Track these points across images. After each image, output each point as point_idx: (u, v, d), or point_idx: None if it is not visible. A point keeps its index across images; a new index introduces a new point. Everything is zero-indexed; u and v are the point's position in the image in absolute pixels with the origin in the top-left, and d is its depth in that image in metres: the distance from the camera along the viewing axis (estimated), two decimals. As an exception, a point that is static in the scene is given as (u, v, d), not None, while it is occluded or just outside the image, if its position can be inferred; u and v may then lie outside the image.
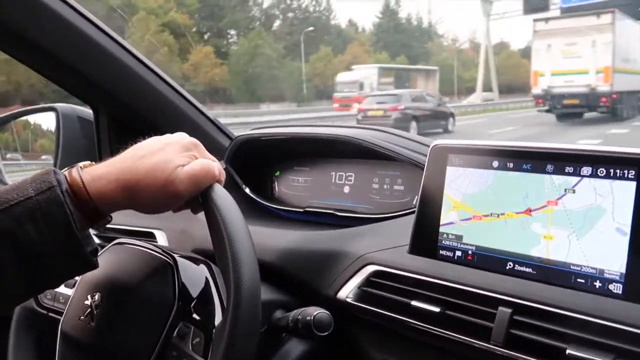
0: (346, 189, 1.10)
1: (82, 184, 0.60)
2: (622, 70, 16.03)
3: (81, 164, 0.63)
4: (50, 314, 0.82)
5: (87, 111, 1.32)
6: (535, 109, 17.70)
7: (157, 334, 0.65)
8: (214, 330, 0.64)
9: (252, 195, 1.17)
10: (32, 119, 1.40)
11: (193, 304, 0.67)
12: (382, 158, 0.99)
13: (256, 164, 1.20)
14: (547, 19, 17.34)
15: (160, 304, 0.66)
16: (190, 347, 0.63)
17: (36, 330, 0.86)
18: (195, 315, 0.66)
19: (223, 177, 0.67)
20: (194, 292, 0.68)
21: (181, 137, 0.66)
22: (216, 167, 0.64)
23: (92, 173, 0.61)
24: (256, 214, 1.14)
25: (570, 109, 16.07)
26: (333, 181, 1.12)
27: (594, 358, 0.55)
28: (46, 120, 1.32)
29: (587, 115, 16.68)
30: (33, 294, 0.67)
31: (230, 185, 1.19)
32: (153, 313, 0.66)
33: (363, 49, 46.74)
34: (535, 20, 17.34)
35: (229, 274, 0.57)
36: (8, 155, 1.49)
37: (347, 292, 0.78)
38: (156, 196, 0.62)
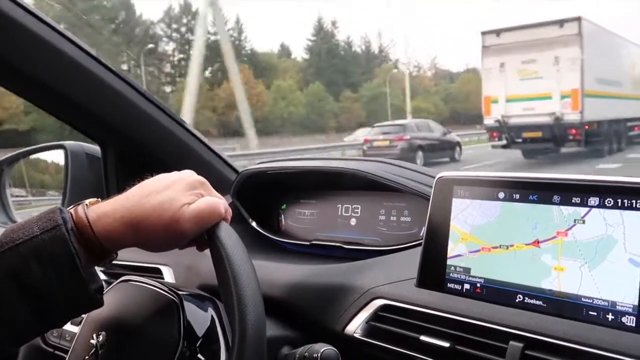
0: (353, 221, 1.10)
1: (88, 222, 0.60)
2: (597, 94, 12.52)
3: (87, 201, 0.63)
4: (57, 352, 0.81)
5: (95, 148, 1.33)
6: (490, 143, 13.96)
7: None
8: None
9: (258, 228, 1.17)
10: (41, 156, 1.41)
11: (199, 343, 0.66)
12: (388, 190, 0.99)
13: (262, 197, 1.20)
14: (498, 31, 13.11)
15: (166, 343, 0.65)
16: None
17: None
18: (200, 356, 0.65)
19: (229, 214, 0.67)
20: (200, 331, 0.67)
21: (187, 175, 0.66)
22: (222, 204, 0.64)
23: (97, 211, 0.61)
24: (262, 247, 1.13)
25: (532, 144, 12.92)
26: (339, 213, 1.12)
27: (609, 394, 0.53)
28: (55, 158, 1.33)
29: (566, 149, 13.21)
30: (38, 333, 0.67)
31: (237, 219, 1.19)
32: (158, 353, 0.65)
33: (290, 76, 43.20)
34: (483, 33, 13.33)
35: (234, 313, 0.57)
36: (16, 192, 1.50)
37: (354, 327, 0.77)
38: (161, 235, 0.62)
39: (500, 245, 0.67)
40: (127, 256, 1.14)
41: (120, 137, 1.18)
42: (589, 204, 0.61)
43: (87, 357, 0.70)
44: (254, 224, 1.18)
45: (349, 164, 1.01)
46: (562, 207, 0.63)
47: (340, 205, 1.12)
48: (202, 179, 0.66)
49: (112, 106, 1.10)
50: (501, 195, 0.68)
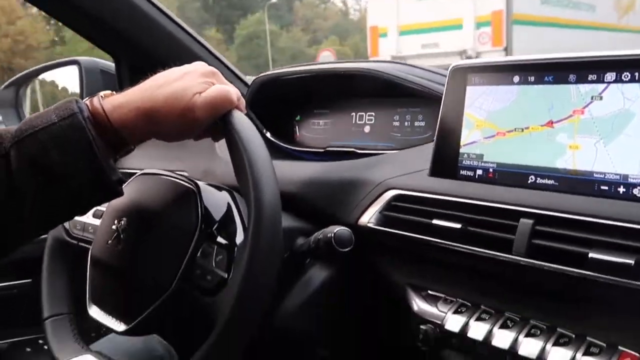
0: (367, 129, 1.10)
1: (104, 112, 0.61)
2: (539, 21, 8.24)
3: (102, 93, 0.64)
4: (81, 244, 0.85)
5: (109, 64, 1.33)
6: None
7: (181, 254, 0.66)
8: (236, 249, 0.66)
9: (272, 139, 1.18)
10: (55, 73, 1.42)
11: (216, 226, 0.68)
12: (402, 94, 0.98)
13: (277, 109, 1.20)
14: None
15: (184, 227, 0.67)
16: (213, 264, 0.65)
17: (68, 260, 0.89)
18: (218, 237, 0.68)
19: (242, 104, 0.67)
20: (217, 215, 0.70)
21: (199, 66, 0.67)
22: (234, 92, 0.65)
23: (112, 102, 0.62)
24: (277, 157, 1.15)
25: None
26: (353, 122, 1.12)
27: (615, 259, 0.54)
28: (69, 74, 1.34)
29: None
30: (62, 220, 0.69)
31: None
32: (177, 235, 0.68)
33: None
34: None
35: (250, 192, 0.58)
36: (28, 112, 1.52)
37: (368, 217, 0.79)
38: (176, 123, 0.63)
39: (515, 129, 0.67)
40: (144, 164, 1.16)
41: (134, 50, 1.18)
42: (605, 80, 0.60)
43: (110, 241, 0.73)
44: (268, 134, 1.19)
45: (361, 65, 1.00)
46: (579, 85, 0.62)
47: (354, 114, 1.12)
48: (213, 69, 0.67)
49: (127, 19, 1.10)
50: (516, 79, 0.67)
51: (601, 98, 0.60)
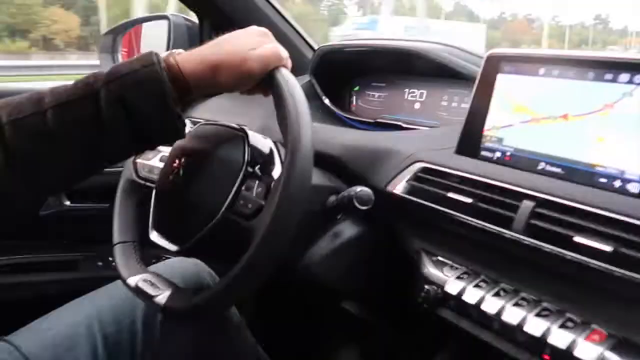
0: (417, 105, 1.16)
1: (176, 63, 0.73)
2: None
3: (174, 51, 0.76)
4: (147, 183, 0.99)
5: (194, 21, 1.47)
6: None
7: (229, 187, 0.78)
8: (273, 182, 0.76)
9: (329, 105, 1.27)
10: (146, 26, 1.57)
11: (259, 166, 0.79)
12: (453, 76, 1.04)
13: (337, 78, 1.28)
14: None
15: (233, 165, 0.79)
16: (254, 195, 0.76)
17: (136, 197, 1.03)
18: (260, 174, 0.79)
19: (289, 63, 0.77)
20: (261, 157, 0.81)
21: (254, 28, 0.77)
22: (283, 51, 0.75)
23: (184, 56, 0.74)
24: (332, 123, 1.24)
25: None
26: (405, 97, 1.19)
27: (595, 245, 0.60)
28: (159, 28, 1.48)
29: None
30: (138, 151, 0.82)
31: (312, 96, 1.30)
32: (226, 172, 0.79)
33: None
34: None
35: (288, 135, 0.68)
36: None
37: (396, 184, 0.87)
38: (234, 74, 0.73)
39: (550, 116, 0.71)
40: (212, 116, 1.29)
41: (216, 10, 1.30)
42: (634, 82, 0.63)
43: (171, 176, 0.85)
44: (326, 101, 1.28)
45: (419, 45, 1.06)
46: (613, 83, 0.65)
47: (407, 90, 1.19)
48: (266, 30, 0.77)
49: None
50: (555, 72, 0.71)
51: (631, 95, 0.63)
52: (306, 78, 1.31)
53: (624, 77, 0.64)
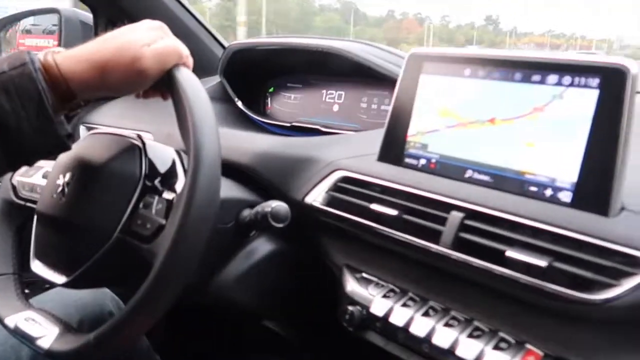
0: (335, 107, 1.10)
1: (54, 63, 0.61)
2: None
3: (54, 49, 0.65)
4: (28, 204, 0.85)
5: (89, 15, 1.32)
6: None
7: (123, 206, 0.67)
8: (174, 196, 0.66)
9: (243, 108, 1.18)
10: (36, 20, 1.40)
11: (159, 179, 0.69)
12: (372, 76, 0.98)
13: (250, 79, 1.20)
14: None
15: (127, 179, 0.68)
16: (154, 212, 0.66)
17: (15, 221, 0.89)
18: (160, 189, 0.69)
19: (190, 61, 0.67)
20: (161, 169, 0.71)
21: (147, 21, 0.67)
22: (181, 47, 0.65)
23: (64, 54, 0.63)
24: (246, 128, 1.15)
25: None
26: (323, 99, 1.12)
27: (529, 259, 0.55)
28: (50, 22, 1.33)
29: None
30: (6, 169, 0.69)
31: (223, 98, 1.20)
32: (119, 188, 0.68)
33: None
34: None
35: (190, 142, 0.59)
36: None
37: (314, 196, 0.79)
38: (124, 75, 0.63)
39: (477, 120, 0.66)
40: (109, 122, 1.16)
41: (111, 3, 1.17)
42: (563, 83, 0.59)
43: (54, 195, 0.73)
44: (239, 104, 1.19)
45: (334, 43, 1.00)
46: (542, 85, 0.61)
47: (324, 91, 1.12)
48: (161, 23, 0.67)
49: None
50: (481, 73, 0.67)
51: (562, 98, 0.59)
52: (217, 79, 1.21)
53: (553, 78, 0.60)
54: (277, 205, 0.72)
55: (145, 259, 0.65)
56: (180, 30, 1.14)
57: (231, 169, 0.86)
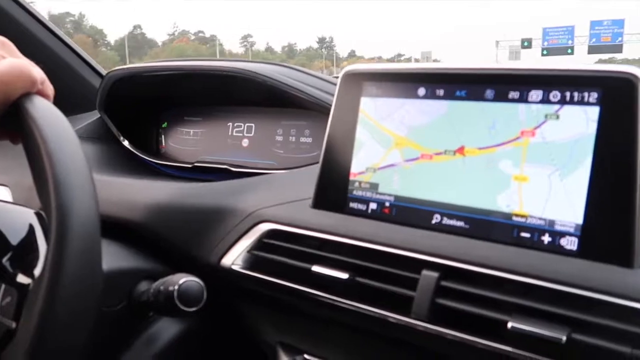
0: (245, 142, 0.93)
1: None
2: None
3: None
4: None
5: None
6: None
7: None
8: (30, 285, 0.45)
9: (130, 148, 0.97)
10: None
11: (8, 256, 0.47)
12: (288, 104, 0.83)
13: (138, 112, 0.99)
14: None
15: None
16: None
17: None
18: (10, 270, 0.47)
19: (49, 89, 0.48)
20: (13, 240, 0.49)
21: None
22: (32, 69, 0.45)
23: None
24: (138, 172, 0.94)
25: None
26: (230, 133, 0.95)
27: (542, 332, 0.42)
28: None
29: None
30: None
31: (105, 137, 0.98)
32: None
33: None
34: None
35: (51, 203, 0.40)
36: None
37: (233, 257, 0.61)
38: None
39: (445, 151, 0.52)
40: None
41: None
42: (551, 100, 0.48)
43: None
44: (126, 143, 0.98)
45: (240, 65, 0.83)
46: (530, 104, 0.48)
47: (231, 124, 0.95)
48: (3, 39, 0.47)
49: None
50: (440, 92, 0.53)
51: (557, 117, 0.47)
52: (96, 115, 0.99)
53: (536, 94, 0.48)
54: (185, 281, 0.53)
55: None
56: (42, 56, 0.92)
57: (119, 230, 0.66)
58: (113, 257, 0.60)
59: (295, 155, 0.88)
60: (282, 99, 0.82)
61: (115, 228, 0.67)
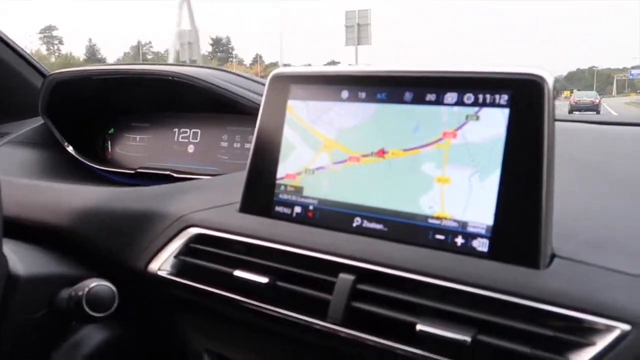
0: (190, 148, 0.92)
1: None
2: None
3: None
4: None
5: None
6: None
7: None
8: None
9: (74, 154, 0.95)
10: None
11: None
12: (233, 110, 0.82)
13: (83, 116, 0.98)
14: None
15: None
16: None
17: None
18: None
19: None
20: None
21: None
22: None
23: None
24: (80, 179, 0.92)
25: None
26: (176, 139, 0.94)
27: (448, 334, 0.41)
28: None
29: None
30: None
31: (50, 144, 0.96)
32: None
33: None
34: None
35: None
36: None
37: (160, 263, 0.60)
38: None
39: (372, 153, 0.51)
40: None
41: None
42: (466, 103, 0.47)
43: None
44: (70, 148, 0.96)
45: (179, 69, 0.82)
46: (452, 106, 0.48)
47: (177, 130, 0.94)
48: None
49: None
50: (362, 94, 0.53)
51: (478, 118, 0.46)
52: (39, 120, 0.97)
53: (451, 96, 0.48)
54: (95, 285, 0.51)
55: None
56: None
57: (44, 235, 0.64)
58: (33, 263, 0.58)
59: (239, 162, 0.87)
60: (226, 104, 0.81)
61: (42, 233, 0.65)
